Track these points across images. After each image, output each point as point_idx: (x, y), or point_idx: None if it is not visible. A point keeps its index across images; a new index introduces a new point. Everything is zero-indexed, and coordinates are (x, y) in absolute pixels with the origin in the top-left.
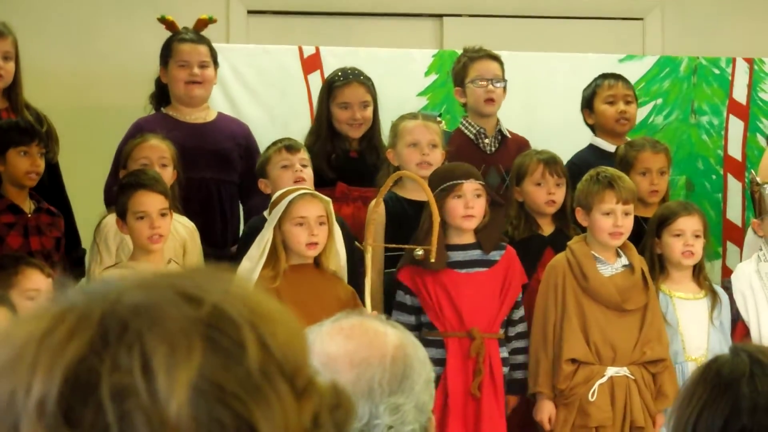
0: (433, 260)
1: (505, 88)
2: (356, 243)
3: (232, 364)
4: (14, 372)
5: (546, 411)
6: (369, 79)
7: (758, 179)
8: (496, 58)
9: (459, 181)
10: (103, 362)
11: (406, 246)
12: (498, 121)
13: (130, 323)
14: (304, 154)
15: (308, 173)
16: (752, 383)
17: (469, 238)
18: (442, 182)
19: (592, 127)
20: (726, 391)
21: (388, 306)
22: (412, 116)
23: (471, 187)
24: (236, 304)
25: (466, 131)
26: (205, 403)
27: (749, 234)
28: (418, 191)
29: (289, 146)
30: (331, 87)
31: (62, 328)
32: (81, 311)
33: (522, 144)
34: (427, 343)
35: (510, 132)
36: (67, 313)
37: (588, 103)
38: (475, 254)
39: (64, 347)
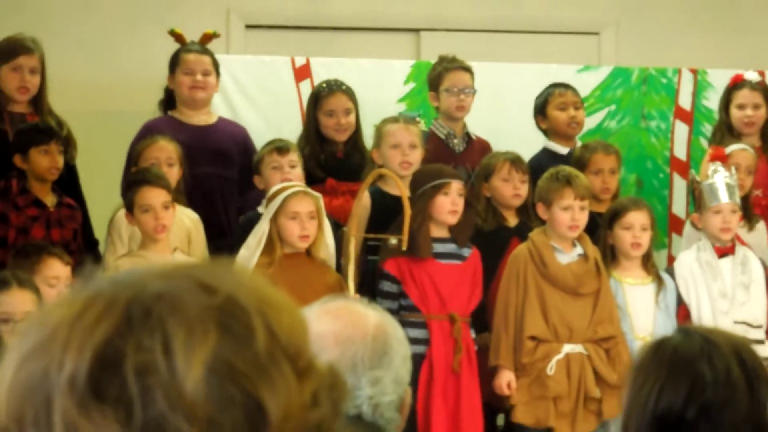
0: (404, 248)
1: (473, 95)
2: (343, 229)
3: (243, 347)
4: (48, 351)
5: (505, 379)
6: (350, 89)
7: (698, 178)
8: (467, 69)
9: (448, 180)
10: (128, 343)
11: (383, 236)
12: (465, 124)
13: (152, 309)
14: (293, 156)
15: (297, 173)
16: (710, 362)
17: (445, 233)
18: (432, 180)
19: (545, 132)
20: (685, 370)
21: (369, 288)
22: (394, 120)
23: (457, 186)
24: (247, 294)
25: (437, 132)
26: (218, 381)
27: (687, 226)
28: (406, 186)
29: (279, 148)
30: (317, 97)
31: (91, 313)
32: (108, 298)
33: (485, 146)
34: (409, 325)
35: (475, 135)
36: (96, 299)
37: (541, 110)
38: (451, 248)
39: (93, 329)
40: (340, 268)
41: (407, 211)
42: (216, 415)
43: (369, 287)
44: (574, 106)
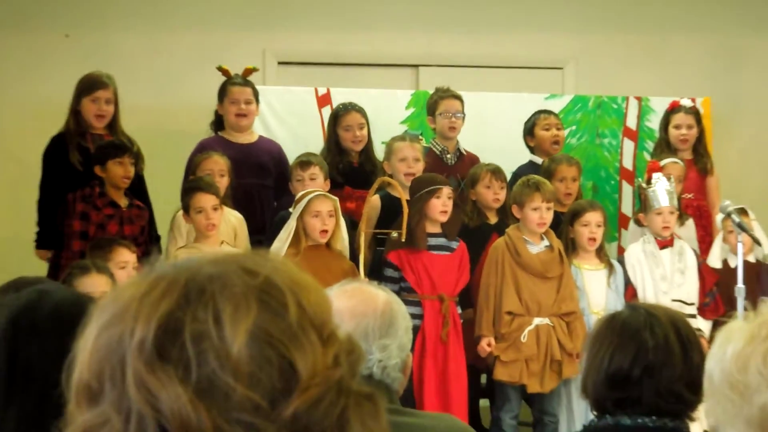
0: (403, 240)
1: (463, 118)
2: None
3: (278, 319)
4: (122, 321)
5: (485, 341)
6: (363, 108)
7: (644, 184)
8: (458, 97)
9: (440, 186)
10: (186, 315)
11: (387, 231)
12: (457, 142)
13: (206, 288)
14: (314, 169)
15: (317, 183)
16: (652, 331)
17: (438, 229)
18: (427, 186)
19: (532, 149)
20: (632, 338)
21: (377, 273)
22: (402, 138)
23: (447, 191)
24: (282, 277)
25: (434, 148)
26: (258, 345)
27: (632, 224)
28: (404, 192)
29: (302, 162)
30: (336, 116)
31: (157, 290)
32: (171, 278)
33: (474, 159)
34: (407, 303)
35: (465, 150)
36: (161, 280)
37: (529, 131)
38: (441, 241)
39: (158, 304)
40: (354, 257)
41: (406, 211)
42: (256, 373)
43: (377, 273)
44: (557, 127)
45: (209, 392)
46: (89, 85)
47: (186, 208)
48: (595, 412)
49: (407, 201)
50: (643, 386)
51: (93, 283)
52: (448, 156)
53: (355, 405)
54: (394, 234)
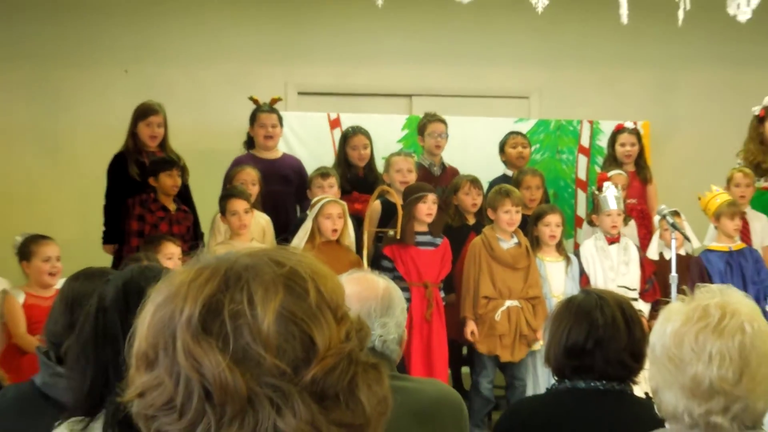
0: (398, 237)
1: (447, 138)
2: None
3: (301, 301)
4: (173, 301)
5: (470, 327)
6: (367, 131)
7: (596, 191)
8: (442, 121)
9: (425, 193)
10: (226, 297)
11: (385, 229)
12: (441, 157)
13: (242, 275)
14: (331, 179)
15: (334, 191)
16: (602, 311)
17: (424, 228)
18: (415, 193)
19: (504, 163)
20: (586, 317)
21: (377, 264)
22: (398, 154)
23: (432, 197)
24: (304, 267)
25: (423, 162)
26: (283, 322)
27: (585, 224)
28: (400, 198)
29: (323, 174)
30: (345, 137)
31: (202, 277)
32: (213, 268)
33: (455, 171)
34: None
35: (448, 164)
36: (205, 268)
37: (501, 149)
38: (427, 238)
39: (203, 287)
40: (359, 251)
41: (400, 213)
42: (282, 345)
43: (377, 264)
44: (522, 145)
45: (244, 360)
46: (144, 112)
47: (223, 211)
48: (555, 378)
49: (401, 205)
50: (594, 356)
51: None
52: (435, 169)
53: (362, 372)
54: (391, 232)
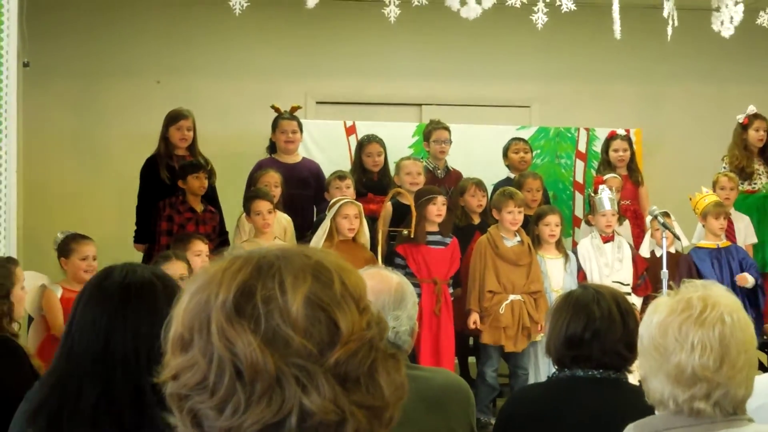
0: (411, 236)
1: (450, 144)
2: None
3: (327, 289)
4: (209, 286)
5: (473, 317)
6: (381, 140)
7: (592, 194)
8: (446, 128)
9: (435, 195)
10: (258, 283)
11: (399, 229)
12: (446, 161)
13: (274, 263)
14: (348, 181)
15: (350, 192)
16: (598, 304)
17: (435, 228)
18: (426, 195)
19: (508, 167)
20: (584, 309)
21: (390, 261)
22: (407, 158)
23: (441, 199)
24: (329, 260)
25: (428, 166)
26: (311, 307)
27: (582, 224)
28: (411, 199)
29: (340, 176)
30: (361, 145)
31: (236, 265)
32: (246, 257)
33: (458, 174)
34: None
35: (452, 167)
36: (238, 258)
37: (505, 154)
38: (437, 237)
39: (236, 274)
40: (374, 249)
41: (413, 213)
42: (309, 328)
43: (391, 261)
44: (524, 151)
45: (273, 341)
46: (174, 117)
47: (248, 211)
48: (556, 367)
49: (413, 206)
50: (592, 346)
51: (173, 268)
52: (439, 172)
53: (382, 359)
54: (405, 231)
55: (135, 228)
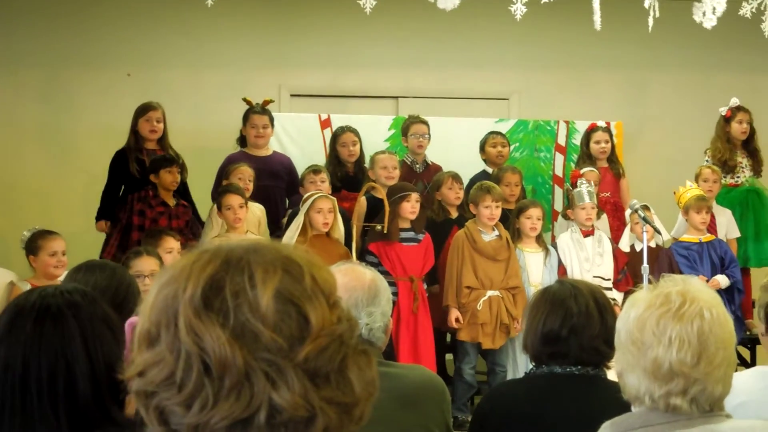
0: (385, 232)
1: (429, 139)
2: (350, 221)
3: (297, 283)
4: (177, 281)
5: (453, 315)
6: (356, 129)
7: (571, 187)
8: (424, 122)
9: (409, 192)
10: (227, 276)
11: (373, 224)
12: (425, 155)
13: (243, 257)
14: (323, 175)
15: (325, 186)
16: (576, 300)
17: (408, 225)
18: (399, 192)
19: (485, 161)
20: (561, 305)
21: (364, 257)
22: (383, 152)
23: (415, 196)
24: (299, 255)
25: (407, 161)
26: (281, 301)
27: (560, 218)
28: (385, 194)
29: (314, 170)
30: (336, 136)
31: (204, 258)
32: (214, 251)
33: (437, 168)
34: None
35: (431, 161)
36: (206, 252)
37: (482, 148)
38: (410, 234)
39: (205, 267)
40: (348, 244)
41: (387, 209)
42: (279, 323)
43: (363, 259)
44: (501, 145)
45: (242, 335)
46: (144, 109)
47: (218, 206)
48: (533, 363)
49: (386, 202)
50: (569, 343)
51: (144, 264)
52: (417, 166)
53: (353, 355)
54: (378, 227)
55: (98, 207)
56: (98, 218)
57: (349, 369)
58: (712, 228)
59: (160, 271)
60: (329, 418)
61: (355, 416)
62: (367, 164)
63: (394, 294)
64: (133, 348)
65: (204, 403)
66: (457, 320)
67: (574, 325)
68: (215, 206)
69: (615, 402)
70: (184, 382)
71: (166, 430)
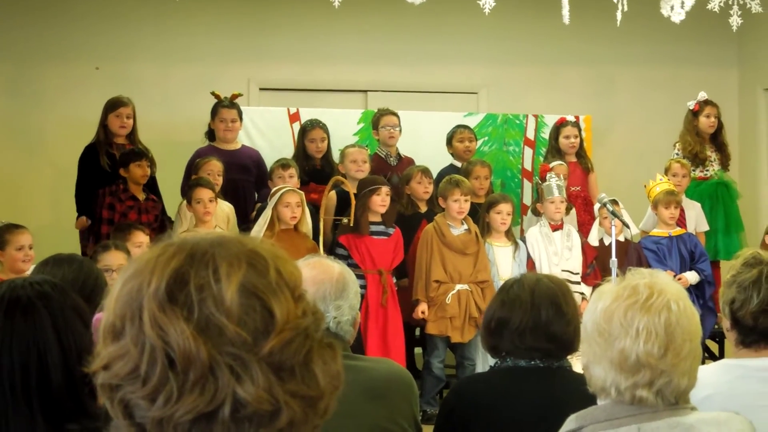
0: (351, 225)
1: (400, 131)
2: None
3: (261, 277)
4: (141, 274)
5: (421, 307)
6: (325, 125)
7: (540, 181)
8: (395, 114)
9: (379, 186)
10: (192, 270)
11: (340, 218)
12: (397, 148)
13: (208, 251)
14: (291, 170)
15: (293, 181)
16: (536, 293)
17: (378, 218)
18: (370, 185)
19: (452, 155)
20: (518, 299)
21: (333, 249)
22: (353, 146)
23: (385, 189)
24: (264, 249)
25: (380, 153)
26: (245, 295)
27: (529, 212)
28: (354, 185)
29: (283, 165)
30: (304, 130)
31: (169, 252)
32: (179, 244)
33: (410, 161)
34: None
35: (404, 154)
36: (171, 246)
37: (449, 142)
38: (380, 228)
39: (169, 261)
40: (316, 238)
41: (353, 202)
42: (243, 317)
43: (333, 250)
44: (469, 139)
45: (207, 329)
46: (114, 104)
47: (189, 200)
48: (495, 357)
49: (355, 195)
50: (534, 336)
51: (113, 258)
52: (391, 159)
53: (318, 348)
54: (345, 220)
55: (76, 204)
56: (79, 213)
57: (314, 362)
58: (681, 221)
59: (125, 264)
60: (294, 412)
61: (320, 410)
62: (335, 158)
63: (363, 287)
64: (99, 341)
65: (168, 396)
66: (423, 312)
67: (537, 319)
68: (185, 202)
69: (580, 394)
70: (148, 376)
71: (131, 423)
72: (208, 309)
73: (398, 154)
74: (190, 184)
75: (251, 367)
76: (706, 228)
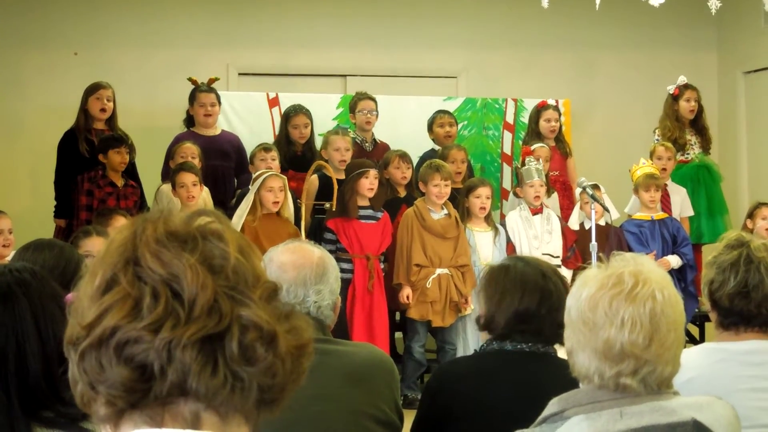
0: (333, 210)
1: (377, 115)
2: (297, 200)
3: (247, 245)
4: (134, 225)
5: (405, 293)
6: (308, 110)
7: (519, 165)
8: (372, 99)
9: (368, 169)
10: (193, 219)
11: (322, 202)
12: (373, 133)
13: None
14: (273, 153)
15: (275, 164)
16: (549, 279)
17: (366, 202)
18: (358, 168)
19: (433, 140)
20: (535, 285)
21: (315, 235)
22: (335, 132)
23: (373, 173)
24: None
25: (356, 138)
26: (239, 252)
27: (511, 196)
28: (337, 173)
29: (265, 148)
30: (287, 116)
31: (159, 214)
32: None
33: (386, 147)
34: (342, 261)
35: (380, 140)
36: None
37: (429, 127)
38: (368, 212)
39: (164, 218)
40: (297, 222)
41: (335, 187)
42: (238, 266)
43: (315, 235)
44: (449, 124)
45: (209, 264)
46: (93, 87)
47: (173, 184)
48: (485, 341)
49: (340, 180)
50: (545, 321)
51: (93, 244)
52: (367, 144)
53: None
54: (327, 205)
55: (55, 203)
56: (57, 215)
57: (295, 317)
58: (666, 206)
59: (111, 233)
60: (289, 345)
61: (303, 366)
62: (317, 145)
63: (351, 272)
64: (79, 310)
65: (176, 322)
66: (408, 297)
67: (551, 304)
68: (161, 187)
69: (564, 379)
70: (150, 309)
71: (129, 367)
72: (209, 250)
73: (374, 139)
74: (174, 168)
75: (250, 297)
76: (691, 213)
